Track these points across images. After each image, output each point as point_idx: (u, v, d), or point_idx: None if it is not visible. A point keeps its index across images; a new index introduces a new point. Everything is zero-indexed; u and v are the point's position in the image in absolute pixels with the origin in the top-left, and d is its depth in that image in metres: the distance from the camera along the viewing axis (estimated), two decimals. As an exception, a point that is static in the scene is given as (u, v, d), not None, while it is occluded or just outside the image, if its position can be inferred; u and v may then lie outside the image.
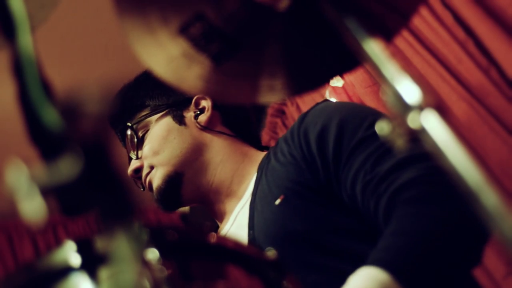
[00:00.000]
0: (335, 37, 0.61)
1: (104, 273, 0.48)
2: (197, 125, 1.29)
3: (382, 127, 0.52)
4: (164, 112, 1.29)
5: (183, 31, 0.66)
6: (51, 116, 0.43)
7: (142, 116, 1.28)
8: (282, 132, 2.81)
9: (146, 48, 0.67)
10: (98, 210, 0.41)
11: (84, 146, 0.41)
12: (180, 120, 1.28)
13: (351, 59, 0.63)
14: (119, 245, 0.40)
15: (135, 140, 1.27)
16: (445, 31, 1.71)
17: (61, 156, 0.41)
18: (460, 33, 1.66)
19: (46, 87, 0.45)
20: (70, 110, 0.42)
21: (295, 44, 0.72)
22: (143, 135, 1.28)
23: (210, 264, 0.57)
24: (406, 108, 0.50)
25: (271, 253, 0.60)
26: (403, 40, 1.87)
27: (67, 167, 0.40)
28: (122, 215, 0.41)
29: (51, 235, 3.89)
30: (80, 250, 0.51)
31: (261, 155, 1.30)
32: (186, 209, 1.44)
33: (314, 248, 1.01)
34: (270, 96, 0.90)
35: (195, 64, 0.69)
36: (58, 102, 0.44)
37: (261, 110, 3.17)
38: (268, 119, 2.92)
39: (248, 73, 0.72)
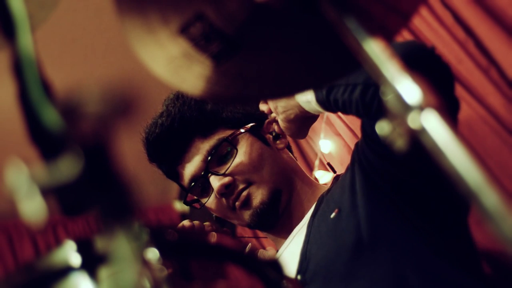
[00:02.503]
0: (335, 38, 0.61)
1: (104, 272, 0.48)
2: (276, 147, 1.30)
3: (382, 127, 0.52)
4: (247, 130, 1.28)
5: (183, 31, 0.66)
6: (51, 116, 0.43)
7: (235, 133, 1.25)
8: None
9: (146, 48, 0.67)
10: (98, 210, 0.41)
11: (84, 146, 0.41)
12: (264, 140, 1.29)
13: (351, 60, 0.63)
14: (119, 245, 0.40)
15: (227, 154, 1.24)
16: (445, 31, 1.71)
17: (61, 156, 0.41)
18: (460, 33, 1.66)
19: (46, 87, 0.45)
20: (70, 110, 0.42)
21: (295, 44, 0.72)
22: (232, 151, 1.25)
23: (210, 264, 0.57)
24: (406, 108, 0.50)
25: (270, 253, 0.60)
26: (403, 40, 1.87)
27: (67, 167, 0.40)
28: (122, 215, 0.41)
29: (51, 235, 3.89)
30: (80, 250, 0.51)
31: (319, 183, 1.37)
32: (186, 208, 1.44)
33: (366, 258, 1.03)
34: (270, 95, 0.90)
35: (195, 64, 0.69)
36: (58, 102, 0.44)
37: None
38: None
39: (248, 73, 0.72)
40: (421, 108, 0.50)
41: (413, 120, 0.50)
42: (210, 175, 1.23)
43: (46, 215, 0.38)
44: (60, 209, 0.41)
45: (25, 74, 0.46)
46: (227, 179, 1.22)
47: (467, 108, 1.67)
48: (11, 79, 0.46)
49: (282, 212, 1.26)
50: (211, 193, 1.25)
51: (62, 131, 0.42)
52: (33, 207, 0.38)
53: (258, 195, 1.22)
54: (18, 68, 0.46)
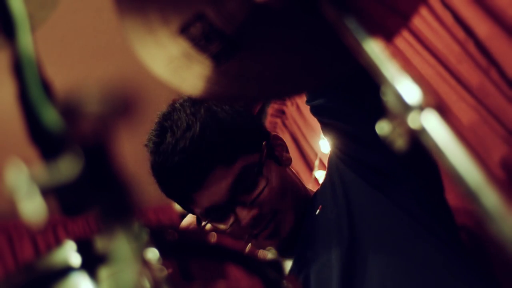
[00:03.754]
0: (335, 38, 0.61)
1: (104, 272, 0.48)
2: (285, 163, 1.25)
3: (382, 127, 0.52)
4: (265, 148, 1.20)
5: (183, 31, 0.66)
6: (51, 116, 0.43)
7: (261, 162, 1.17)
8: (282, 132, 2.81)
9: (146, 48, 0.67)
10: (98, 210, 0.41)
11: (84, 146, 0.41)
12: (277, 161, 1.22)
13: (351, 60, 0.63)
14: (119, 245, 0.40)
15: (252, 183, 1.16)
16: (445, 31, 1.71)
17: (61, 156, 0.41)
18: (460, 33, 1.66)
19: (46, 87, 0.45)
20: (70, 110, 0.42)
21: (295, 44, 0.72)
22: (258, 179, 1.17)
23: (210, 264, 0.57)
24: (406, 108, 0.50)
25: (271, 253, 0.60)
26: (403, 40, 1.86)
27: (67, 167, 0.40)
28: (122, 215, 0.41)
29: (51, 235, 3.90)
30: (80, 250, 0.51)
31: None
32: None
33: (350, 256, 1.03)
34: (270, 95, 0.90)
35: (195, 64, 0.69)
36: (58, 102, 0.44)
37: (261, 110, 3.17)
38: (268, 119, 2.92)
39: (248, 73, 0.72)
40: (421, 108, 0.50)
41: (413, 120, 0.50)
42: (237, 206, 1.15)
43: (46, 215, 0.38)
44: (60, 209, 0.41)
45: (25, 74, 0.46)
46: (255, 211, 1.14)
47: (467, 108, 1.67)
48: (11, 79, 0.46)
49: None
50: (231, 221, 1.17)
51: (62, 131, 0.42)
52: (33, 207, 0.38)
53: (287, 225, 1.17)
54: (18, 68, 0.46)
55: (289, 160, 1.27)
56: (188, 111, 1.18)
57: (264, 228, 1.16)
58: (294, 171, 1.31)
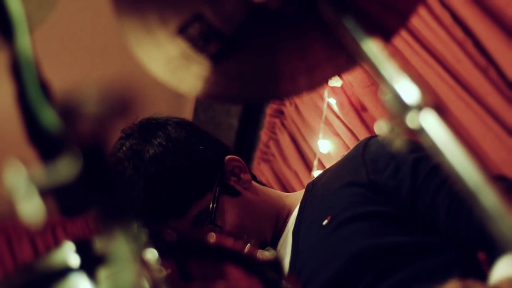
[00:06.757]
0: (334, 37, 0.61)
1: (103, 273, 0.48)
2: (244, 188, 1.23)
3: (381, 127, 0.52)
4: (216, 191, 1.17)
5: (182, 31, 0.66)
6: (49, 117, 0.43)
7: (212, 209, 1.15)
8: (280, 132, 2.81)
9: (144, 48, 0.67)
10: (97, 211, 0.41)
11: (82, 146, 0.41)
12: (232, 192, 1.20)
13: (350, 60, 0.63)
14: (118, 245, 0.40)
15: (212, 229, 1.14)
16: (444, 31, 1.71)
17: (59, 157, 0.41)
18: (459, 33, 1.66)
19: (45, 88, 0.45)
20: (68, 111, 0.42)
21: (293, 44, 0.72)
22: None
23: (209, 264, 0.57)
24: (405, 108, 0.50)
25: (270, 253, 0.60)
26: (402, 40, 1.87)
27: (66, 168, 0.40)
28: (121, 215, 0.41)
29: (50, 236, 3.89)
30: (79, 251, 0.51)
31: (281, 192, 1.33)
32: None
33: (359, 270, 1.00)
34: (269, 95, 0.90)
35: (193, 65, 0.69)
36: (56, 103, 0.44)
37: (259, 110, 3.17)
38: (267, 119, 2.91)
39: (246, 74, 0.72)
40: (419, 107, 0.50)
41: (412, 120, 0.50)
42: None
43: (44, 216, 0.38)
44: (59, 209, 0.41)
45: (23, 75, 0.46)
46: None
47: (466, 108, 1.67)
48: (10, 80, 0.46)
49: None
50: None
51: (61, 131, 0.42)
52: (31, 208, 0.38)
53: None
54: (17, 69, 0.46)
55: (248, 182, 1.24)
56: (131, 164, 1.14)
57: None
58: (258, 187, 1.27)
